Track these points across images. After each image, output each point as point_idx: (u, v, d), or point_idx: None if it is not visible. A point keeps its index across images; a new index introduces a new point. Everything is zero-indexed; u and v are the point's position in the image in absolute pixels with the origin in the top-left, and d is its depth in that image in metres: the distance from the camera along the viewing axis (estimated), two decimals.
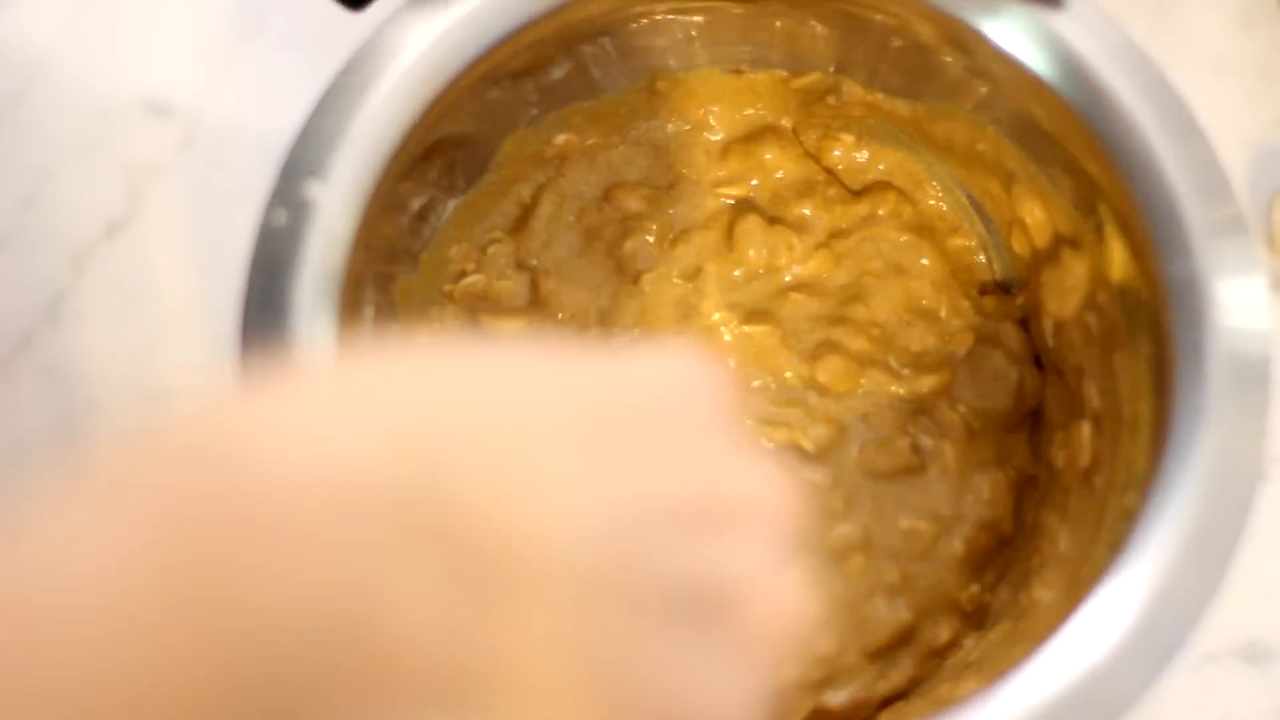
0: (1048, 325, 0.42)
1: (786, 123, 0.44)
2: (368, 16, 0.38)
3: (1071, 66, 0.36)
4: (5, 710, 0.18)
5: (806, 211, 0.44)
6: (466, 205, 0.43)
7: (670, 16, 0.41)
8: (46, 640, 0.19)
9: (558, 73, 0.41)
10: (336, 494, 0.20)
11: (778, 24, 0.41)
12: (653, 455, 0.23)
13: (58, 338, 0.49)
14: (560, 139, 0.44)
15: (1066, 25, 0.36)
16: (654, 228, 0.43)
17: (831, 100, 0.43)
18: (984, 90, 0.39)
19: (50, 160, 0.51)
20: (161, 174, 0.51)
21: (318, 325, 0.34)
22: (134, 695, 0.18)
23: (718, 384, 0.25)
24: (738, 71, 0.43)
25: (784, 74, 0.43)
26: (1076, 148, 0.37)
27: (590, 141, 0.44)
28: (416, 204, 0.41)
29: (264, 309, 0.34)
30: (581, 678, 0.21)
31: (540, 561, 0.21)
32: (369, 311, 0.39)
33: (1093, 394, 0.39)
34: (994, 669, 0.35)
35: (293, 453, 0.20)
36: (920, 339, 0.43)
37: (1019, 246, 0.42)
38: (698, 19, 0.41)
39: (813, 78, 0.43)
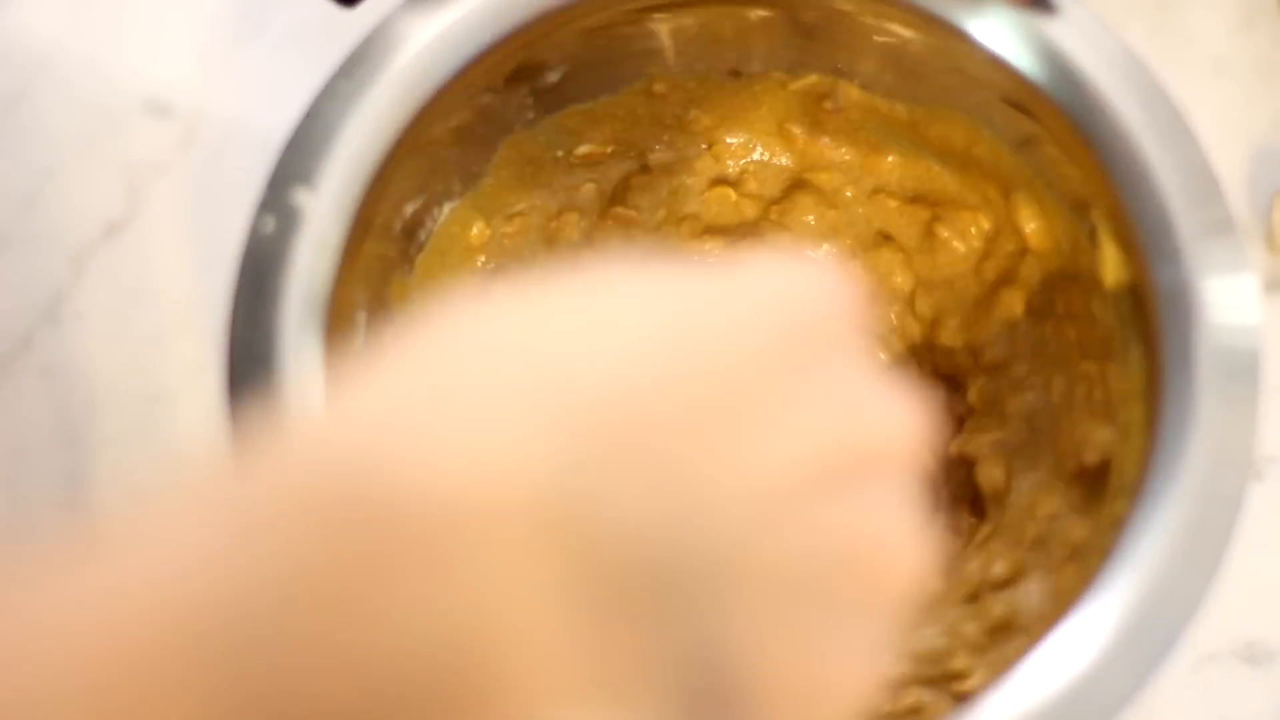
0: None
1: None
2: (367, 15, 0.38)
3: (1060, 70, 0.36)
4: (154, 694, 0.18)
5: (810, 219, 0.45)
6: (463, 207, 0.43)
7: (664, 18, 0.41)
8: (195, 630, 0.19)
9: (553, 76, 0.41)
10: (470, 512, 0.19)
11: (772, 26, 0.41)
12: (790, 408, 0.22)
13: (58, 338, 0.49)
14: (582, 149, 0.44)
15: (1056, 28, 0.36)
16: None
17: (828, 104, 0.43)
18: (978, 95, 0.39)
19: (50, 160, 0.51)
20: (161, 174, 0.51)
21: (306, 333, 0.34)
22: (273, 698, 0.19)
23: (842, 297, 0.24)
24: (735, 73, 0.43)
25: (781, 76, 0.43)
26: (1068, 152, 0.37)
27: (610, 150, 0.44)
28: (410, 208, 0.41)
29: (252, 316, 0.34)
30: (714, 673, 0.21)
31: (664, 568, 0.20)
32: (361, 316, 0.39)
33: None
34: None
35: (429, 464, 0.20)
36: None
37: None
38: (692, 21, 0.41)
39: (810, 80, 0.43)
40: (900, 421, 0.23)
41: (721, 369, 0.22)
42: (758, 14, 0.41)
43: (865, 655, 0.22)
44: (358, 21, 0.38)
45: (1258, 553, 0.45)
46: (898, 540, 0.23)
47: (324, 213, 0.35)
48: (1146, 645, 0.31)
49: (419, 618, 0.19)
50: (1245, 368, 0.33)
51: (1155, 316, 0.34)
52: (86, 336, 0.49)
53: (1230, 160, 0.48)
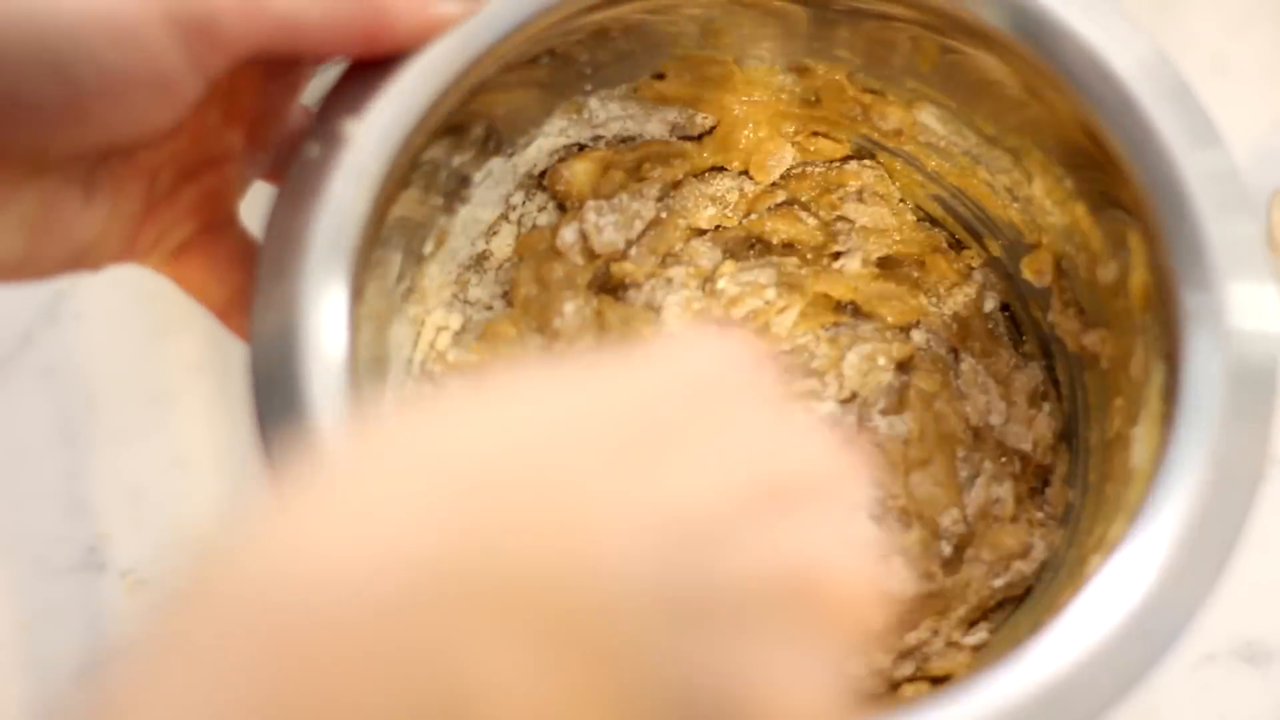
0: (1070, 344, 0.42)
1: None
2: None
3: (1101, 75, 0.36)
4: None
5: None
6: (509, 167, 0.43)
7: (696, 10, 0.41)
8: None
9: (606, 54, 0.41)
10: (398, 590, 0.20)
11: (836, 27, 0.41)
12: (701, 449, 0.23)
13: (58, 338, 0.49)
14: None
15: (1094, 32, 0.36)
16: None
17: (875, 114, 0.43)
18: (1031, 111, 0.39)
19: None
20: None
21: (336, 266, 0.34)
22: None
23: (751, 360, 0.25)
24: (805, 70, 0.43)
25: (841, 76, 0.43)
26: (1104, 159, 0.37)
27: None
28: (458, 160, 0.41)
29: (284, 240, 0.34)
30: (663, 705, 0.22)
31: (600, 600, 0.21)
32: (396, 259, 0.39)
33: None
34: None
35: (346, 565, 0.20)
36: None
37: (1030, 273, 0.43)
38: (725, 13, 0.41)
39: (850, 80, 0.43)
40: (821, 453, 0.24)
41: (617, 422, 0.23)
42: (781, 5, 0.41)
43: (815, 678, 0.23)
44: None
45: (1258, 553, 0.45)
46: (840, 566, 0.23)
47: (368, 143, 0.35)
48: (1150, 638, 0.31)
49: (403, 691, 0.20)
50: (1265, 373, 0.33)
51: (1178, 318, 0.34)
52: (86, 336, 0.49)
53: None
